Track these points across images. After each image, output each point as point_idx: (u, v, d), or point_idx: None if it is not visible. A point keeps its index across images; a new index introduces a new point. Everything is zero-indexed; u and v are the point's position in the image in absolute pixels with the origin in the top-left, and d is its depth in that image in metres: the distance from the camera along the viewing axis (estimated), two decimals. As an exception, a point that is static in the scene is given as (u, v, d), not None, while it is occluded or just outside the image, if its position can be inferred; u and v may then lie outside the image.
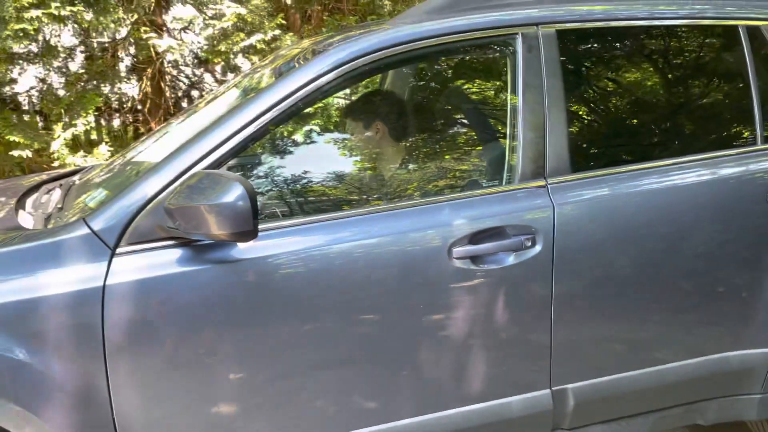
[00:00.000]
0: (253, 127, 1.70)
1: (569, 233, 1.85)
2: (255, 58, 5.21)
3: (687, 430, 2.60)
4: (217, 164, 1.67)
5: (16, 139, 4.43)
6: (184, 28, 5.87)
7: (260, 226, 1.56)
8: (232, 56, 5.48)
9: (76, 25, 4.61)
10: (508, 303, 1.82)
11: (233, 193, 1.47)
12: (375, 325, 1.74)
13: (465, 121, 2.30)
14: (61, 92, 5.69)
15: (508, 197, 1.87)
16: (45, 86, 5.87)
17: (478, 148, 2.20)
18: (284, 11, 5.46)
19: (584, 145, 2.07)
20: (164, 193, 1.61)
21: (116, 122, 7.28)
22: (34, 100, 6.32)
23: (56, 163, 4.62)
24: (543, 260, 1.82)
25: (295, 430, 1.74)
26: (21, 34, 4.11)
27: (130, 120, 7.40)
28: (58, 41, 5.84)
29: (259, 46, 4.97)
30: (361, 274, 1.71)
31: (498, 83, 2.14)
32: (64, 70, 5.97)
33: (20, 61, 5.56)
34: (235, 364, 1.66)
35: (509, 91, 1.95)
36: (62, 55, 5.75)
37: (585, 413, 1.97)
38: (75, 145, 4.91)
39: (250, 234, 1.50)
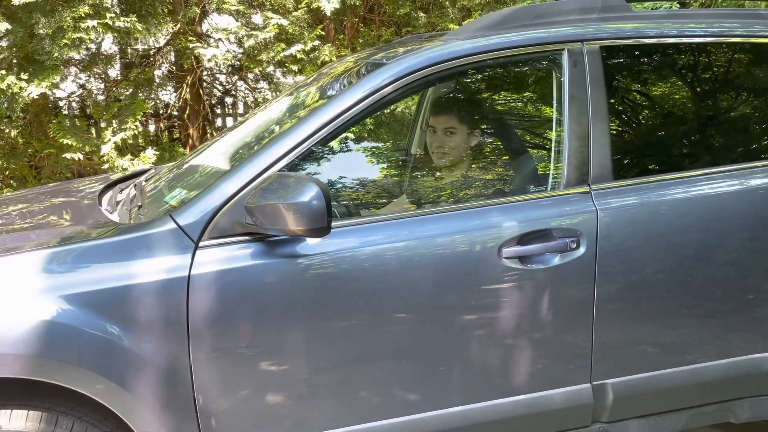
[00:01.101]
0: (321, 134, 1.86)
1: (611, 237, 1.97)
2: (294, 67, 5.39)
3: (718, 428, 2.69)
4: (288, 168, 1.82)
5: (69, 142, 4.64)
6: (223, 38, 6.09)
7: (333, 224, 1.71)
8: (266, 65, 5.68)
9: (119, 34, 4.84)
10: (553, 301, 1.95)
11: (309, 193, 1.63)
12: (431, 319, 1.87)
13: (515, 131, 2.44)
14: (100, 98, 5.94)
15: (554, 202, 2.00)
16: (86, 92, 6.13)
17: (521, 157, 2.34)
18: (322, 22, 5.64)
19: (625, 154, 2.19)
20: (243, 193, 1.77)
21: (152, 128, 7.54)
22: (74, 105, 6.59)
23: (105, 166, 4.84)
24: (586, 261, 1.95)
25: (357, 415, 1.87)
26: (78, 43, 4.33)
27: (166, 125, 7.65)
28: (101, 49, 6.09)
29: (299, 56, 5.15)
30: (417, 271, 1.85)
31: (545, 95, 2.27)
32: (103, 76, 6.23)
33: (66, 68, 5.81)
34: (303, 352, 1.81)
35: (555, 102, 2.08)
36: (103, 62, 5.98)
37: (623, 408, 2.08)
38: (121, 149, 5.14)
39: (324, 230, 1.65)
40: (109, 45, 6.35)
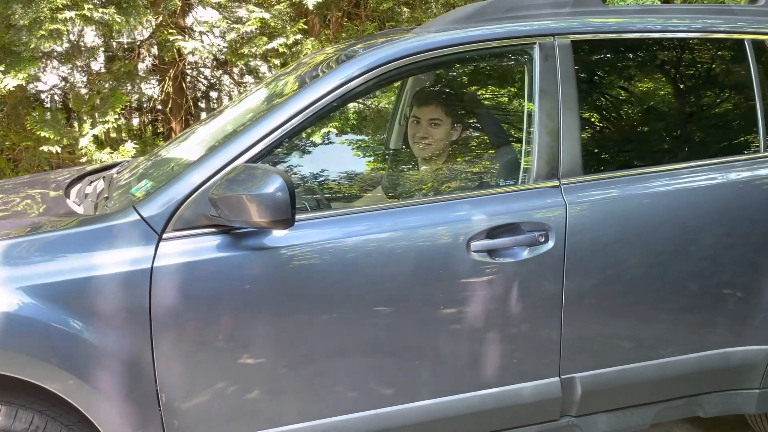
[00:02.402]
0: (290, 125, 1.85)
1: (580, 231, 1.97)
2: (276, 61, 5.36)
3: (687, 422, 2.71)
4: (256, 159, 1.81)
5: (47, 135, 4.59)
6: (205, 32, 6.04)
7: (297, 216, 1.70)
8: (251, 59, 5.64)
9: (99, 26, 4.80)
10: (522, 295, 1.95)
11: (273, 184, 1.61)
12: (398, 312, 1.87)
13: (483, 125, 2.44)
14: (83, 91, 5.88)
15: (523, 196, 2.00)
16: (68, 85, 6.06)
17: (494, 150, 2.33)
18: (305, 16, 5.61)
19: (596, 149, 2.20)
20: (208, 184, 1.75)
21: (135, 121, 7.48)
22: (56, 98, 6.52)
23: (83, 159, 4.79)
24: (555, 255, 1.95)
25: (321, 409, 1.86)
26: (55, 35, 4.28)
27: (150, 119, 7.59)
28: (82, 41, 6.03)
29: (281, 49, 5.12)
30: (383, 264, 1.84)
31: (516, 89, 2.27)
32: (86, 69, 6.16)
33: (45, 60, 5.75)
34: (267, 344, 1.80)
35: (526, 96, 2.08)
36: (85, 54, 5.92)
37: (591, 402, 2.08)
38: (100, 142, 5.09)
39: (288, 222, 1.64)
40: (92, 38, 6.30)
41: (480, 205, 1.95)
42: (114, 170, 2.55)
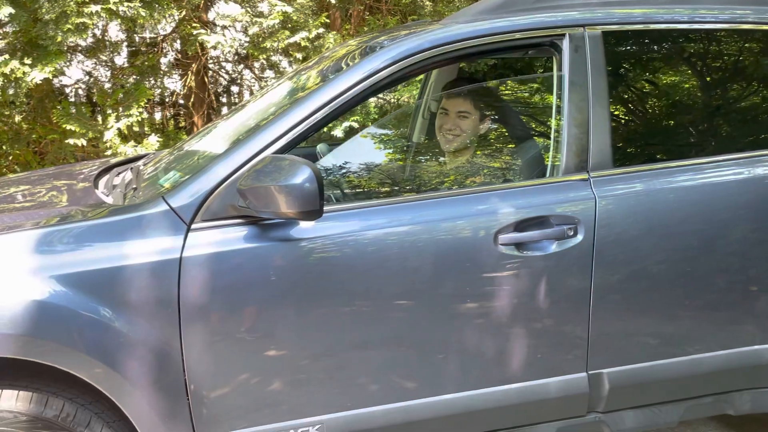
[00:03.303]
0: (315, 118, 1.84)
1: (609, 225, 1.95)
2: (298, 55, 5.36)
3: (716, 420, 2.67)
4: (284, 150, 1.81)
5: (72, 128, 4.64)
6: (227, 26, 6.06)
7: (325, 208, 1.69)
8: (273, 53, 5.65)
9: (124, 21, 4.84)
10: (549, 289, 1.93)
11: (302, 175, 1.61)
12: (426, 305, 1.86)
13: (511, 117, 2.42)
14: (107, 85, 5.94)
15: (552, 189, 1.98)
16: (92, 79, 6.13)
17: (522, 143, 2.31)
18: (327, 10, 5.61)
19: (625, 142, 2.16)
20: (236, 175, 1.75)
21: (157, 115, 7.55)
22: (81, 92, 6.60)
23: (108, 152, 4.84)
24: (584, 249, 1.93)
25: (344, 401, 1.86)
26: (81, 29, 4.32)
27: (172, 113, 7.65)
28: (106, 35, 6.09)
29: (303, 43, 5.12)
30: (412, 255, 1.83)
31: (544, 81, 2.25)
32: (110, 63, 6.22)
33: (71, 54, 5.82)
34: (291, 336, 1.80)
35: (556, 88, 2.05)
36: (109, 49, 5.98)
37: (619, 398, 2.06)
38: (125, 135, 5.13)
39: (316, 213, 1.64)
40: (115, 32, 6.36)
41: (508, 198, 1.93)
42: (141, 162, 2.57)
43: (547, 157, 2.09)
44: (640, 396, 2.10)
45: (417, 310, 1.86)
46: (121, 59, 6.63)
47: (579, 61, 2.02)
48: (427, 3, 5.63)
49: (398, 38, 2.03)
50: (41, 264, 1.64)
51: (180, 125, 7.52)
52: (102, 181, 2.33)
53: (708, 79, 2.36)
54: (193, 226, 1.73)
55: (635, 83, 2.29)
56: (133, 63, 6.22)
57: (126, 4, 4.39)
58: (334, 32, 5.47)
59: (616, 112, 2.18)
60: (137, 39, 6.82)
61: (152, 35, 6.76)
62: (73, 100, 6.23)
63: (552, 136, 2.06)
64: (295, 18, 5.13)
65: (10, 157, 5.24)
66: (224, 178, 1.76)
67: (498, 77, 2.46)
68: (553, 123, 2.06)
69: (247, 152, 1.78)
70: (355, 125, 5.30)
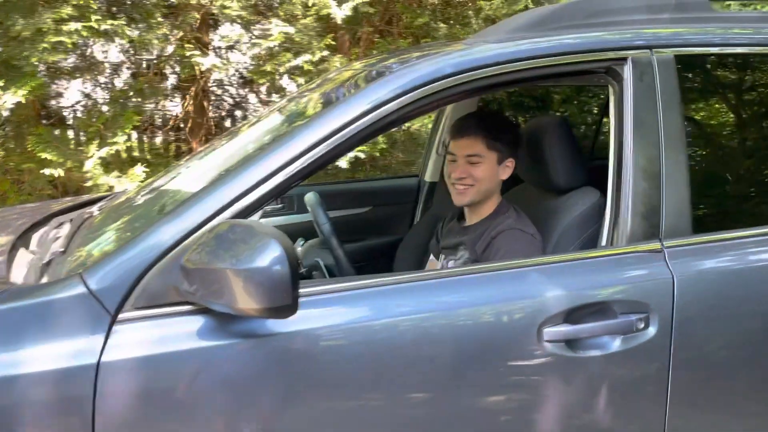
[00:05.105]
0: (298, 165, 1.36)
1: (692, 312, 1.44)
2: (301, 80, 4.94)
3: None
4: (250, 211, 1.32)
5: (49, 157, 4.21)
6: (230, 47, 5.67)
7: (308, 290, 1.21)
8: (277, 77, 5.24)
9: (122, 42, 4.47)
10: (612, 400, 1.42)
11: (269, 255, 1.12)
12: (450, 423, 1.36)
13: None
14: (105, 108, 5.56)
15: (613, 263, 1.48)
16: (90, 102, 5.74)
17: (566, 198, 1.81)
18: (333, 32, 5.19)
19: (711, 200, 1.66)
20: (181, 246, 1.26)
21: (158, 140, 7.15)
22: (79, 115, 6.22)
23: (89, 183, 4.39)
24: (658, 346, 1.42)
25: None
26: (60, 48, 3.91)
27: (173, 138, 7.25)
28: (105, 57, 5.75)
29: (306, 67, 4.69)
30: (426, 358, 1.33)
31: (599, 118, 1.75)
32: (109, 85, 5.85)
33: (64, 76, 5.48)
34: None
35: (615, 128, 1.57)
36: (108, 70, 5.65)
37: None
38: (114, 162, 4.70)
39: (288, 309, 1.14)
40: (116, 54, 6.01)
41: (553, 277, 1.44)
42: (95, 207, 2.09)
43: (601, 219, 1.59)
44: None
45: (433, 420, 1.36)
46: (121, 81, 6.27)
47: (646, 93, 1.54)
48: (442, 26, 5.19)
49: (410, 61, 1.56)
50: None
51: (181, 151, 7.12)
52: (36, 236, 1.85)
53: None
54: (120, 316, 1.24)
55: (721, 122, 1.79)
56: (132, 85, 5.83)
57: (109, 21, 3.98)
58: (341, 55, 5.04)
59: (697, 160, 1.68)
60: (134, 60, 6.47)
61: (149, 57, 6.41)
62: (71, 123, 5.85)
63: (609, 192, 1.57)
64: (297, 39, 4.70)
65: (-15, 187, 4.82)
66: (166, 249, 1.26)
67: (536, 109, 1.95)
68: (610, 173, 1.57)
69: (198, 214, 1.29)
70: (362, 155, 4.85)
